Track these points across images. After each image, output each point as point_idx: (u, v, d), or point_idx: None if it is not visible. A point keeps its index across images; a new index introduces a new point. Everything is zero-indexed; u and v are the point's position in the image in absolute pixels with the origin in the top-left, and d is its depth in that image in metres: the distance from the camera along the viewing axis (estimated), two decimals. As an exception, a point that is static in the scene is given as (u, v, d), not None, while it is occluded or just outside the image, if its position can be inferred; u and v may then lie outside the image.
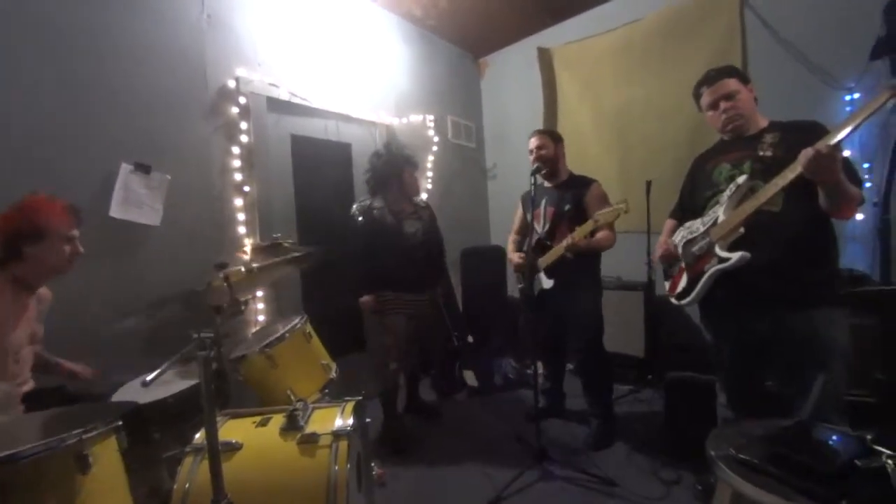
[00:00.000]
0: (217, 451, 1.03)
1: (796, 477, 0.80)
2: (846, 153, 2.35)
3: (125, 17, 2.06)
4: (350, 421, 1.39)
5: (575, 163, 2.59)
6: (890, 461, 0.79)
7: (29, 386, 1.50)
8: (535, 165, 2.32)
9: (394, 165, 2.51)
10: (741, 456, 0.87)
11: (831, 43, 2.53)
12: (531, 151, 2.42)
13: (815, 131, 1.43)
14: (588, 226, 2.12)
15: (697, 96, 1.75)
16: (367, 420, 1.68)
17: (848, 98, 2.49)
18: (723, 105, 1.63)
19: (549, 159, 2.39)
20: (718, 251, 1.55)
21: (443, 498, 2.01)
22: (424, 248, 2.53)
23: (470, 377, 3.18)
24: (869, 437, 0.87)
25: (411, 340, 2.60)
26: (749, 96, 1.63)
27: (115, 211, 1.99)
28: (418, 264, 2.49)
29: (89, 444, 1.09)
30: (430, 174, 3.67)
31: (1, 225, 1.41)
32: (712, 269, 1.56)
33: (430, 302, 2.64)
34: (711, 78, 1.67)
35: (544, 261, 2.31)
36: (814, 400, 1.44)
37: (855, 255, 2.37)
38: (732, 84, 1.62)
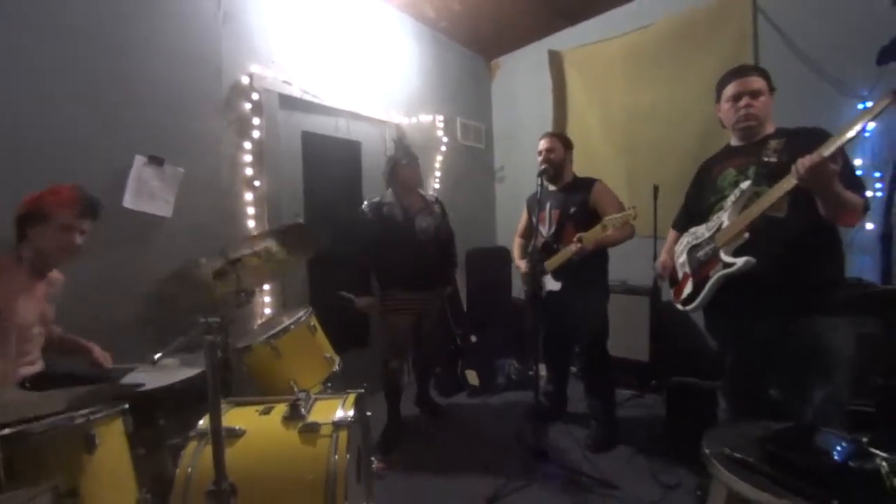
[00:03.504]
0: (220, 435, 1.06)
1: (790, 476, 0.80)
2: (857, 161, 2.38)
3: (142, 15, 2.10)
4: (351, 412, 1.41)
5: (583, 166, 2.59)
6: (884, 463, 0.79)
7: (38, 367, 1.54)
8: (542, 168, 2.34)
9: (392, 159, 2.56)
10: (736, 455, 0.88)
11: (844, 50, 2.51)
12: (540, 153, 2.43)
13: (820, 137, 1.43)
14: (596, 230, 2.11)
15: (721, 86, 1.71)
16: (368, 414, 1.70)
17: (861, 106, 2.46)
18: (745, 100, 1.61)
19: (557, 163, 2.40)
20: (723, 256, 1.55)
21: (441, 494, 2.02)
22: (436, 244, 2.52)
23: (472, 377, 3.19)
24: (865, 439, 0.87)
25: (419, 339, 2.63)
26: (769, 102, 1.62)
27: (129, 202, 2.04)
28: (430, 260, 2.48)
29: (96, 424, 1.12)
30: (437, 174, 3.69)
31: (18, 207, 1.47)
32: (717, 274, 1.56)
33: (438, 299, 2.64)
34: (743, 71, 1.66)
35: (551, 263, 2.31)
36: (817, 409, 1.44)
37: (863, 265, 2.35)
38: (761, 83, 1.61)
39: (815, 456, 0.86)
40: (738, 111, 1.63)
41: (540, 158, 2.42)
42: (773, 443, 0.89)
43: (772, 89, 1.63)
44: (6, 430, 0.95)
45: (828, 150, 1.27)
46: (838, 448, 0.86)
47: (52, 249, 1.50)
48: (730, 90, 1.66)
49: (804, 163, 1.29)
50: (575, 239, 2.15)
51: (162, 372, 1.63)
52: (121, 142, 2.03)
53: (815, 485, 0.78)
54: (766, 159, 1.55)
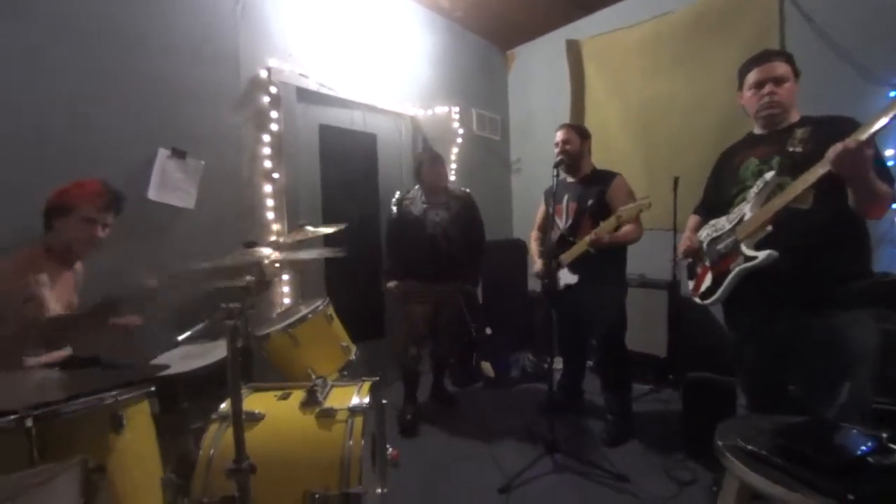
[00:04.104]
0: (240, 416, 1.09)
1: (803, 469, 0.79)
2: (889, 152, 2.29)
3: (162, 9, 2.15)
4: (366, 399, 1.44)
5: (600, 157, 2.56)
6: (904, 459, 0.77)
7: (66, 351, 1.61)
8: (559, 159, 2.32)
9: (418, 158, 2.67)
10: (749, 447, 0.87)
11: (874, 37, 2.41)
12: (557, 144, 2.41)
13: (847, 126, 1.38)
14: (611, 222, 2.07)
15: (744, 72, 1.66)
16: (384, 402, 1.72)
17: (892, 94, 2.37)
18: (769, 87, 1.55)
19: (573, 154, 2.37)
20: (745, 250, 1.51)
21: (454, 483, 2.04)
22: (447, 238, 2.53)
23: (487, 369, 3.20)
24: (885, 435, 0.85)
25: (435, 330, 2.66)
26: (794, 88, 1.56)
27: (153, 194, 2.10)
28: (441, 254, 2.51)
29: (124, 405, 1.17)
30: (453, 166, 3.68)
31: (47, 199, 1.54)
32: (738, 267, 1.52)
33: (456, 292, 2.66)
34: (766, 56, 1.60)
35: (567, 256, 2.28)
36: (839, 406, 1.41)
37: (892, 259, 2.27)
38: (785, 69, 1.55)
39: (831, 450, 0.84)
40: (762, 99, 1.57)
41: (556, 150, 2.39)
42: (786, 436, 0.88)
43: (797, 74, 1.58)
44: (39, 410, 1.00)
45: (861, 136, 1.23)
46: (856, 443, 0.85)
47: (75, 241, 1.57)
48: (752, 77, 1.60)
49: (837, 148, 1.25)
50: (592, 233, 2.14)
51: (186, 357, 1.69)
52: (141, 135, 2.09)
53: (831, 478, 0.77)
54: (790, 149, 1.50)
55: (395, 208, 2.62)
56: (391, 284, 2.57)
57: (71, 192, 1.55)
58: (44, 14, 1.84)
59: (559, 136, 2.41)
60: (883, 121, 1.21)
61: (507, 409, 2.80)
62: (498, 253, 3.76)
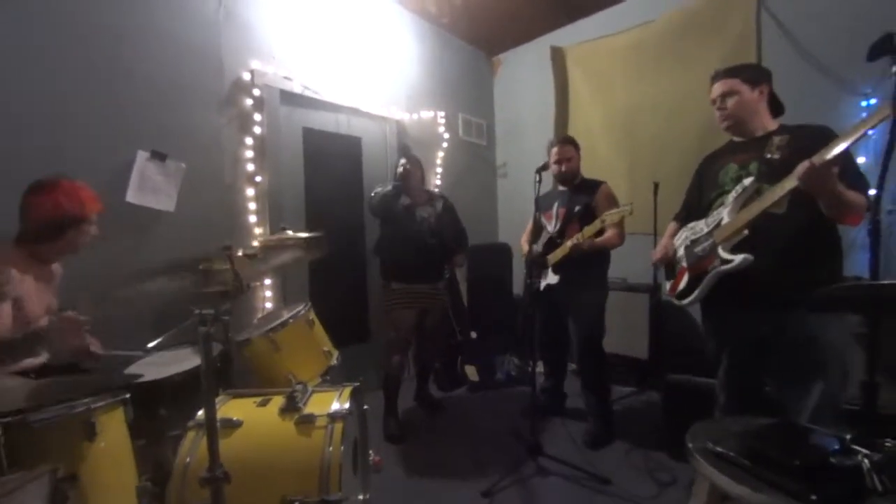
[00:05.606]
0: (214, 422, 1.08)
1: (769, 470, 0.81)
2: (860, 160, 2.36)
3: (145, 9, 2.13)
4: (347, 405, 1.43)
5: (585, 162, 2.60)
6: (866, 460, 0.80)
7: (42, 357, 1.57)
8: (563, 175, 2.45)
9: (397, 161, 2.65)
10: (718, 449, 0.89)
11: (848, 47, 2.48)
12: (558, 161, 2.46)
13: (824, 136, 1.42)
14: (595, 226, 2.15)
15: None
16: (366, 407, 1.72)
17: (864, 104, 2.44)
18: (717, 105, 1.66)
19: (575, 169, 2.49)
20: (721, 253, 1.55)
21: (437, 487, 2.04)
22: (438, 235, 2.54)
23: (471, 372, 3.21)
24: (848, 436, 0.88)
25: (421, 334, 2.65)
26: (751, 98, 1.61)
27: (132, 196, 2.06)
28: (430, 251, 2.51)
29: (97, 413, 1.15)
30: (439, 170, 3.70)
31: (48, 208, 1.48)
32: (714, 270, 1.56)
33: (442, 295, 2.66)
34: (716, 76, 1.69)
35: (552, 257, 2.35)
36: (812, 407, 1.44)
37: (865, 264, 2.33)
38: (732, 84, 1.62)
39: (796, 451, 0.87)
40: (716, 114, 1.68)
41: (559, 167, 2.46)
42: (754, 438, 0.90)
43: (756, 82, 1.62)
44: (8, 418, 0.98)
45: (827, 155, 1.27)
46: (820, 444, 0.87)
47: (79, 245, 1.58)
48: (711, 95, 1.70)
49: (805, 165, 1.30)
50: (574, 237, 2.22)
51: (165, 362, 1.66)
52: (123, 136, 2.05)
53: (795, 479, 0.79)
54: (768, 156, 1.55)
55: (379, 190, 2.56)
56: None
57: (88, 202, 1.55)
58: (25, 13, 1.81)
59: (560, 152, 2.47)
60: (849, 141, 1.25)
61: (491, 413, 2.81)
62: (483, 256, 3.78)
